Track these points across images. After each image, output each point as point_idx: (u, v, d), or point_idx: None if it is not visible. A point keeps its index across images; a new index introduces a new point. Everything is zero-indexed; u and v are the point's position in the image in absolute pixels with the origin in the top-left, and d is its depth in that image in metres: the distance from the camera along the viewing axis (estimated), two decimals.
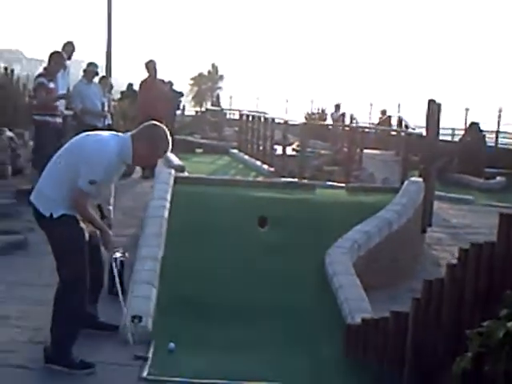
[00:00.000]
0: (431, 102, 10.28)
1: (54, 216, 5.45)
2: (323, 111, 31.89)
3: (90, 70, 13.46)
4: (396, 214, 9.25)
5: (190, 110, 41.86)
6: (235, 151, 21.42)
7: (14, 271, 8.27)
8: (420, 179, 10.69)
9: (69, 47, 12.74)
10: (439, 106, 10.33)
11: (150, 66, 15.23)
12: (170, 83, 17.94)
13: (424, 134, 11.36)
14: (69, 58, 12.53)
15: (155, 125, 5.69)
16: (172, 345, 6.11)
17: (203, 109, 40.07)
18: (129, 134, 5.66)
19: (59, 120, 11.50)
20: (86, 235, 5.66)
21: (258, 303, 7.23)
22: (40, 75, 11.32)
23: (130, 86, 22.60)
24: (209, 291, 7.34)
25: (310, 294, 7.49)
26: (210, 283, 7.50)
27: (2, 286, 7.68)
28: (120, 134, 5.80)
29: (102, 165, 5.41)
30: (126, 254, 7.65)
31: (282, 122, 18.88)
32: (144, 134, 5.62)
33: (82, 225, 5.62)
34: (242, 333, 6.62)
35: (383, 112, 27.61)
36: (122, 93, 24.29)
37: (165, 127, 5.71)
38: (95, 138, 5.60)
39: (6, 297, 7.34)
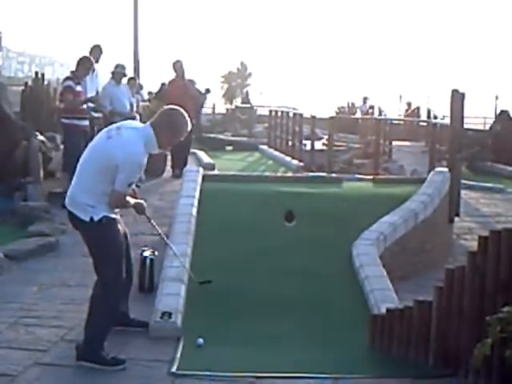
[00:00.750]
0: (454, 91, 10.26)
1: (95, 219, 5.56)
2: (353, 104, 31.90)
3: (118, 71, 13.59)
4: (422, 205, 9.24)
5: (221, 107, 41.98)
6: (265, 147, 21.47)
7: (46, 273, 8.42)
8: (446, 169, 10.66)
9: (96, 50, 12.84)
10: (463, 95, 10.29)
11: (177, 65, 15.37)
12: (193, 82, 18.01)
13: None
14: (97, 61, 12.64)
15: (172, 109, 5.83)
16: (201, 340, 6.18)
17: (233, 106, 40.11)
18: (148, 123, 5.76)
19: (87, 123, 11.62)
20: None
21: (286, 296, 7.28)
22: (67, 78, 11.42)
23: (163, 85, 22.69)
24: (237, 286, 7.41)
25: (338, 286, 7.53)
26: (239, 279, 7.57)
27: (35, 287, 7.82)
28: (138, 124, 5.91)
29: (137, 166, 5.58)
30: (156, 253, 7.76)
31: (309, 117, 18.89)
32: (163, 121, 5.72)
33: (119, 226, 5.78)
34: (271, 326, 6.67)
35: (409, 104, 27.56)
36: (149, 93, 24.39)
37: (181, 109, 5.82)
38: (121, 141, 5.55)
39: (38, 297, 7.47)
